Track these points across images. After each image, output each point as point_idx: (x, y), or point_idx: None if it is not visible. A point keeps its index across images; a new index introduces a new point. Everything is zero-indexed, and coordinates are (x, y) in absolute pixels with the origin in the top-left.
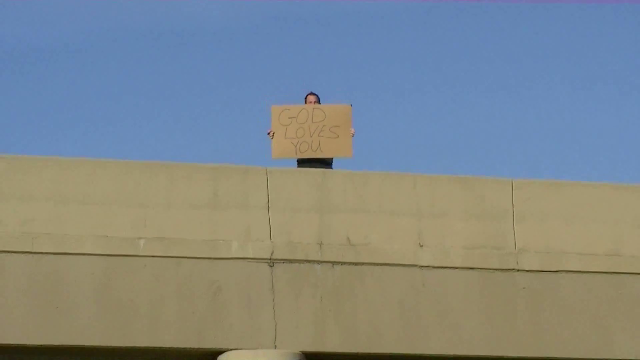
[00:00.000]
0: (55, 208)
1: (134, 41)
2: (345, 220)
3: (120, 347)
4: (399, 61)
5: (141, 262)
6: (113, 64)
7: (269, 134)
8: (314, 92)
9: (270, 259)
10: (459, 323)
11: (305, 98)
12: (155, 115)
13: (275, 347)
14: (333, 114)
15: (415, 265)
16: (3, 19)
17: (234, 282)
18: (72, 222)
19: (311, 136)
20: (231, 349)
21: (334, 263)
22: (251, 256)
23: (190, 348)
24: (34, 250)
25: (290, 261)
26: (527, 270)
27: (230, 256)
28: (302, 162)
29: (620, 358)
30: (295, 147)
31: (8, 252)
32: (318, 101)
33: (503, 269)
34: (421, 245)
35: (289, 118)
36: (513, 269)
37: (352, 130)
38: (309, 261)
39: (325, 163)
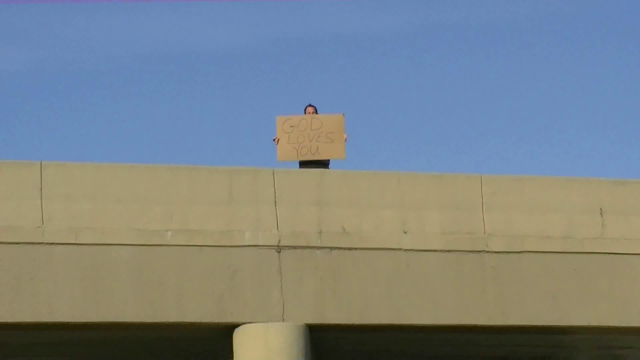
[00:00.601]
0: (95, 206)
1: (165, 65)
2: (341, 212)
3: (152, 322)
4: (384, 78)
5: (168, 250)
6: (135, 86)
7: (274, 140)
8: (312, 104)
9: (277, 246)
10: (437, 297)
11: (305, 109)
12: (179, 125)
13: (283, 320)
14: (328, 122)
15: (400, 249)
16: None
17: (247, 265)
18: (109, 218)
19: (310, 141)
20: (246, 322)
21: (331, 248)
22: (261, 244)
23: (211, 322)
24: (78, 242)
25: (295, 247)
26: (494, 252)
27: (243, 244)
28: (303, 164)
29: (573, 324)
30: (297, 151)
31: (57, 244)
32: (315, 112)
33: (474, 251)
34: (405, 232)
35: (291, 126)
36: (482, 251)
37: (345, 136)
38: (310, 247)
39: (323, 164)
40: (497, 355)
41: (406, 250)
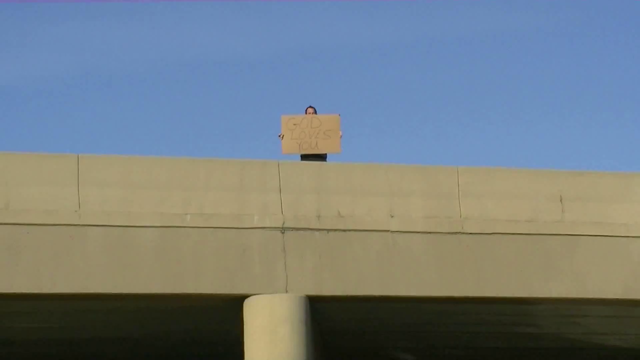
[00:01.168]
0: (124, 193)
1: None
2: (337, 199)
3: (172, 293)
4: (376, 83)
5: (187, 231)
6: (160, 90)
7: (279, 136)
8: (312, 105)
9: (282, 228)
10: (420, 272)
11: (306, 110)
12: (198, 123)
13: (287, 291)
14: (326, 121)
15: (388, 231)
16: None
17: (255, 244)
18: (136, 203)
19: (310, 138)
20: (254, 294)
21: (328, 230)
22: (268, 226)
23: (224, 294)
24: (109, 224)
25: (297, 229)
26: (470, 233)
27: (252, 226)
28: (305, 157)
29: (537, 296)
30: (299, 145)
31: (90, 225)
32: (315, 112)
33: (452, 232)
34: (392, 216)
35: (294, 124)
36: (459, 232)
37: (340, 133)
38: (310, 229)
39: (321, 157)
40: (472, 321)
41: (393, 231)
